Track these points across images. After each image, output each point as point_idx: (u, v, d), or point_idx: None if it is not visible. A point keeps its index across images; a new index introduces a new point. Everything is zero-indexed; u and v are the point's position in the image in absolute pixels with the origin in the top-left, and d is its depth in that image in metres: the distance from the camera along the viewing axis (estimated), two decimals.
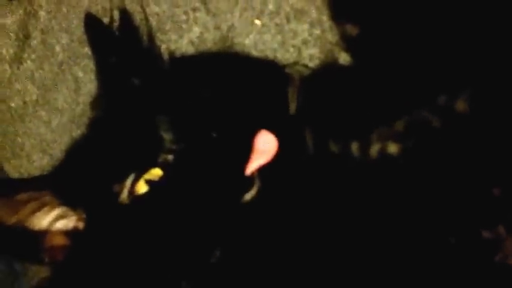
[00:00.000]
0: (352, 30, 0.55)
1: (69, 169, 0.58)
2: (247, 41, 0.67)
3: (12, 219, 0.54)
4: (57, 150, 0.83)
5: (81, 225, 0.56)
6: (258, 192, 0.50)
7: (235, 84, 0.57)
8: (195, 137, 0.51)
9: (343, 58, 0.62)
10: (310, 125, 0.51)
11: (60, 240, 0.56)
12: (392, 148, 0.46)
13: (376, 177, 0.46)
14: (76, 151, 0.59)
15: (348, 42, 0.58)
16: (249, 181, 0.50)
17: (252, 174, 0.50)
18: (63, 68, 0.85)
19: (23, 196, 0.54)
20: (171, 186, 0.51)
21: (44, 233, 0.56)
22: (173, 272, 0.49)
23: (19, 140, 0.92)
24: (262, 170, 0.50)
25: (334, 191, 0.48)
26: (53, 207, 0.55)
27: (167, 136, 0.52)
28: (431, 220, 0.43)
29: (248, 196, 0.50)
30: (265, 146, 0.50)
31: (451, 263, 0.43)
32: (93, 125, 0.61)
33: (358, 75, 0.54)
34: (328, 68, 0.60)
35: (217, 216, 0.50)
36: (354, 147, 0.47)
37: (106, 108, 0.61)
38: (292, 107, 0.56)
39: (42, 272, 0.56)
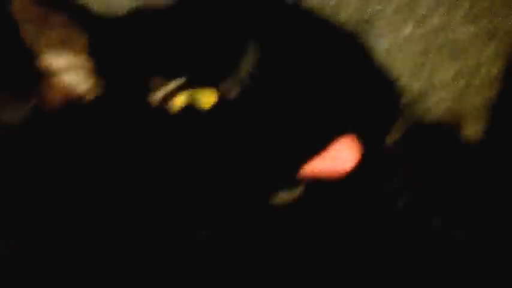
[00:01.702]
0: None
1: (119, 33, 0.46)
2: (383, 40, 0.55)
3: (32, 35, 0.43)
4: None
5: (90, 94, 0.44)
6: (294, 200, 0.39)
7: (347, 73, 0.46)
8: (277, 92, 0.40)
9: (469, 130, 0.50)
10: (405, 174, 0.39)
11: (58, 94, 0.45)
12: None
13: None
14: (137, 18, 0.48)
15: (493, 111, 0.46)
16: (294, 181, 0.39)
17: (303, 176, 0.39)
18: None
19: (59, 18, 0.43)
20: (213, 121, 0.40)
21: (48, 75, 0.45)
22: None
23: None
24: (318, 180, 0.39)
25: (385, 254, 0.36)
26: (79, 54, 0.44)
27: (246, 66, 0.41)
28: None
29: (282, 196, 0.39)
30: (341, 156, 0.39)
31: None
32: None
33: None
34: (449, 134, 0.48)
35: (237, 192, 0.39)
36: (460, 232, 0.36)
37: None
38: (391, 139, 0.44)
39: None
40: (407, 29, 0.54)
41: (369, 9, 0.56)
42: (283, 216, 0.38)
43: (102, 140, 0.41)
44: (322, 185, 0.38)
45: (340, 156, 0.39)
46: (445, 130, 0.50)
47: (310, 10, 0.54)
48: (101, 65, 0.44)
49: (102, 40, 0.44)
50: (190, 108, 0.40)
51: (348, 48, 0.51)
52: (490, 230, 0.38)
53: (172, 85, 0.40)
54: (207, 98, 0.40)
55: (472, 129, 0.49)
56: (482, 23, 0.53)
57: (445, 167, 0.42)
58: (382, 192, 0.40)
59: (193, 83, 0.40)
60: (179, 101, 0.40)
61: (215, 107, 0.40)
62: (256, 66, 0.41)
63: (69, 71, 0.44)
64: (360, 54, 0.52)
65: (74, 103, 0.44)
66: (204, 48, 0.42)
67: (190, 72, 0.41)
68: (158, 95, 0.41)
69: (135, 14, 0.47)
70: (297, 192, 0.38)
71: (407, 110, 0.48)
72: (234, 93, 0.40)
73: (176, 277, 0.37)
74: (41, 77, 0.44)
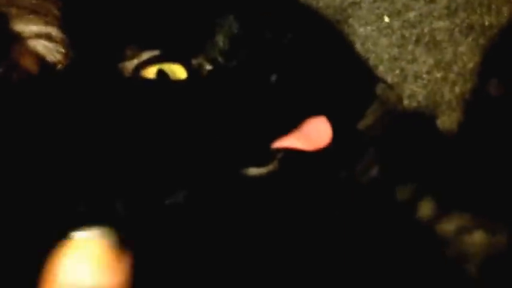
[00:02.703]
0: (495, 91, 0.43)
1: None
2: (361, 30, 0.55)
3: (4, 1, 0.42)
4: None
5: (62, 62, 0.44)
6: (267, 176, 0.38)
7: (323, 55, 0.45)
8: (251, 64, 0.39)
9: (444, 120, 0.50)
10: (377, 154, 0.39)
11: (29, 62, 0.44)
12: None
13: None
14: None
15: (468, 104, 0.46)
16: (267, 157, 0.38)
17: (276, 151, 0.38)
18: None
19: None
20: (182, 93, 0.39)
21: (20, 41, 0.43)
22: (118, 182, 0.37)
23: None
24: (290, 155, 0.38)
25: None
26: (50, 23, 0.43)
27: (222, 44, 0.40)
28: None
29: (253, 171, 0.38)
30: (314, 134, 0.38)
31: None
32: None
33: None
34: (423, 122, 0.48)
35: (206, 163, 0.38)
36: (425, 208, 0.36)
37: None
38: (364, 123, 0.44)
39: None
40: (385, 20, 0.54)
41: None
42: (256, 189, 0.37)
43: (73, 108, 0.40)
44: (294, 160, 0.38)
45: (312, 135, 0.38)
46: (419, 118, 0.50)
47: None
48: (73, 35, 0.43)
49: (74, 11, 0.43)
50: (161, 80, 0.39)
51: (326, 33, 0.51)
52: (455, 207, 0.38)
53: (144, 56, 0.40)
54: (178, 72, 0.40)
55: (447, 119, 0.49)
56: (460, 18, 0.53)
57: (417, 151, 0.42)
58: (353, 170, 0.39)
59: (165, 57, 0.40)
60: (151, 72, 0.40)
61: (186, 81, 0.39)
62: (230, 45, 0.40)
63: (41, 39, 0.43)
64: (338, 40, 0.52)
65: (45, 70, 0.43)
66: (178, 23, 0.41)
67: (163, 46, 0.40)
68: (130, 65, 0.40)
69: None
70: (270, 167, 0.38)
71: (381, 98, 0.47)
72: (205, 70, 0.40)
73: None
74: (13, 42, 0.43)
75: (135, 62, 0.39)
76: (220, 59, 0.39)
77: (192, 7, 0.41)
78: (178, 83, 0.39)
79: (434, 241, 0.37)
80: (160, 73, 0.39)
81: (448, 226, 0.39)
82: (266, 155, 0.38)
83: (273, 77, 0.38)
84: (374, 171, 0.39)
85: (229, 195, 0.38)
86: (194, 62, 0.40)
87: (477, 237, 0.38)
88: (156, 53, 0.39)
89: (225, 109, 0.39)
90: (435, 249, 0.37)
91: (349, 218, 0.37)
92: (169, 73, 0.40)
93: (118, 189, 0.37)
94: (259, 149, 0.38)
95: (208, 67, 0.40)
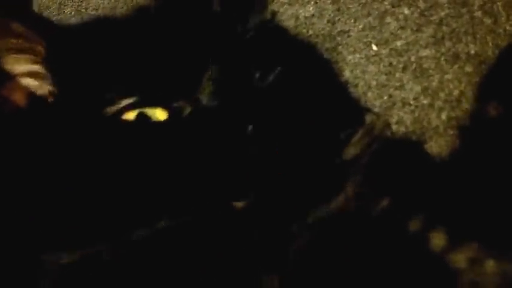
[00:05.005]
0: (493, 111, 0.44)
1: (82, 42, 0.46)
2: (350, 57, 0.55)
3: None
4: None
5: (49, 98, 0.45)
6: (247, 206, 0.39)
7: (310, 87, 0.46)
8: (232, 105, 0.40)
9: (433, 146, 0.50)
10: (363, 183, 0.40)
11: (19, 98, 0.45)
12: None
13: None
14: (104, 31, 0.48)
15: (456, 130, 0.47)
16: (245, 192, 0.39)
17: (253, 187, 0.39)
18: None
19: (19, 27, 0.44)
20: (162, 136, 0.40)
21: (9, 77, 0.45)
22: None
23: None
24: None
25: None
26: (36, 62, 0.45)
27: (208, 87, 0.41)
28: None
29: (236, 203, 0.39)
30: None
31: None
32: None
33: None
34: (412, 148, 0.49)
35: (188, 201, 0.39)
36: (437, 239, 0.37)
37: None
38: (351, 151, 0.44)
39: None
40: (373, 49, 0.55)
41: (338, 26, 0.56)
42: (238, 220, 0.38)
43: (58, 142, 0.41)
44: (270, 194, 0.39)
45: None
46: (408, 144, 0.50)
47: (284, 23, 0.55)
48: (57, 74, 0.44)
49: (59, 52, 0.44)
50: (141, 121, 0.40)
51: (316, 61, 0.51)
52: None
53: (124, 103, 0.41)
54: (159, 115, 0.40)
55: (434, 145, 0.50)
56: (446, 47, 0.53)
57: (407, 177, 0.42)
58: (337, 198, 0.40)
59: (145, 102, 0.41)
60: (130, 114, 0.41)
61: (166, 121, 0.40)
62: (213, 86, 0.41)
63: (29, 77, 0.45)
64: (327, 68, 0.53)
65: (35, 104, 0.44)
66: (158, 68, 0.42)
67: (142, 92, 0.41)
68: (110, 110, 0.41)
69: (93, 30, 0.47)
70: (249, 200, 0.39)
71: (369, 124, 0.48)
72: (186, 110, 0.41)
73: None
74: (3, 79, 0.45)
75: (114, 108, 0.40)
76: (202, 98, 0.40)
77: (173, 51, 0.42)
78: (158, 123, 0.40)
79: (447, 271, 0.38)
80: (140, 115, 0.40)
81: (460, 257, 0.39)
82: (245, 191, 0.39)
83: (250, 128, 0.39)
84: (385, 202, 0.39)
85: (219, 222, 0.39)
86: (175, 105, 0.40)
87: (488, 267, 0.39)
88: (134, 99, 0.40)
89: (206, 147, 0.40)
90: (448, 279, 0.38)
91: (362, 249, 0.38)
92: (150, 116, 0.41)
93: (100, 227, 0.39)
94: (239, 185, 0.39)
95: (189, 109, 0.40)
